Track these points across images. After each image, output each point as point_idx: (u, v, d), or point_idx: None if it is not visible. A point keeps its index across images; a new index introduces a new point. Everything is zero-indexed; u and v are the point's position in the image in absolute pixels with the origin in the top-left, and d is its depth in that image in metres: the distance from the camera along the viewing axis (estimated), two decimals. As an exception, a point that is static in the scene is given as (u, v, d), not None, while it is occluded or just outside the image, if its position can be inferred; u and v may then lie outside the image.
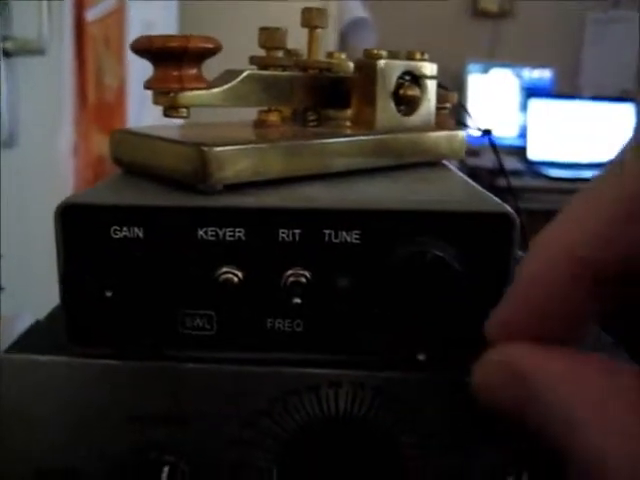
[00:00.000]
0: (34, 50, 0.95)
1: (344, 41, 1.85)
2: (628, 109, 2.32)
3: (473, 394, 0.23)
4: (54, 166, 1.05)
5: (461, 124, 0.40)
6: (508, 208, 0.28)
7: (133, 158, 0.33)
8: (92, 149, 1.18)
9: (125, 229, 0.27)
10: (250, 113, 0.37)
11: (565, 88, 2.46)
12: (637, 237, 0.20)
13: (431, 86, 0.36)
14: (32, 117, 0.96)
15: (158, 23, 1.53)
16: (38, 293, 0.86)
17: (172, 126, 0.35)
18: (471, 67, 2.44)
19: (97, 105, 1.20)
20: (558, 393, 0.20)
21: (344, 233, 0.27)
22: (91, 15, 1.17)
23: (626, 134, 2.26)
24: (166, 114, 0.30)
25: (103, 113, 1.23)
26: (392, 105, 0.35)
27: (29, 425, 0.29)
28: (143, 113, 1.37)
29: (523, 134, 2.33)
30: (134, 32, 1.34)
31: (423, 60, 0.36)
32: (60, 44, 1.05)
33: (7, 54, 0.90)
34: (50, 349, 0.29)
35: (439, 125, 0.38)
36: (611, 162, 0.22)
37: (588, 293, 0.21)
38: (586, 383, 0.20)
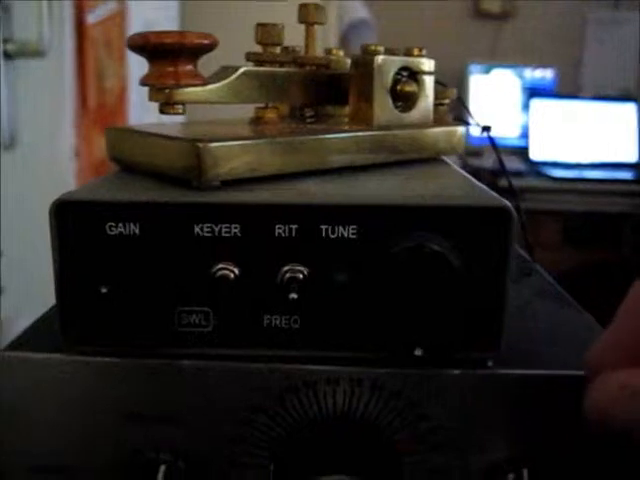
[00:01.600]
0: (35, 52, 0.95)
1: (345, 42, 1.84)
2: (630, 109, 2.32)
3: (585, 416, 0.24)
4: (55, 168, 1.05)
5: (460, 120, 0.40)
6: (506, 202, 0.28)
7: (129, 155, 0.33)
8: (93, 152, 1.18)
9: (121, 225, 0.27)
10: (247, 110, 0.37)
11: (567, 88, 2.45)
12: None
13: (429, 82, 0.36)
14: (32, 119, 0.96)
15: (159, 24, 1.53)
16: (38, 294, 0.86)
17: (168, 124, 0.35)
18: (473, 67, 2.43)
19: (98, 108, 1.20)
20: None
21: (341, 228, 0.27)
22: (92, 18, 1.17)
23: (628, 134, 2.25)
24: (162, 110, 0.30)
25: (104, 116, 1.23)
26: (390, 101, 0.35)
27: (25, 423, 0.29)
28: (144, 116, 1.37)
29: (525, 134, 2.32)
30: (135, 34, 1.34)
31: (421, 56, 0.36)
32: (61, 47, 1.05)
33: (8, 56, 0.90)
34: (46, 347, 0.29)
35: (437, 121, 0.38)
36: None
37: None
38: None
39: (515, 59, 2.46)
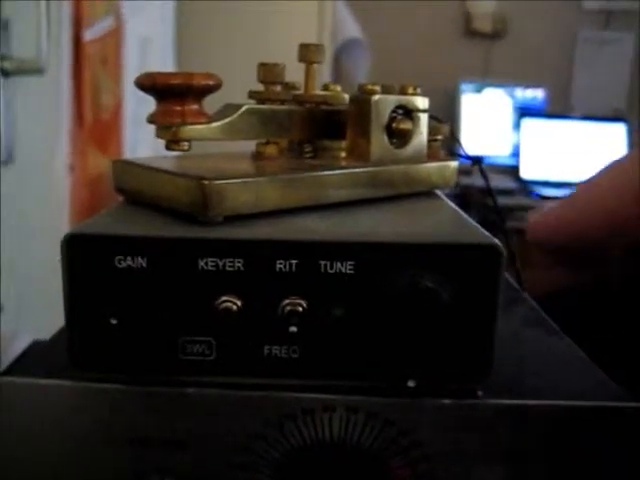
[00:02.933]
0: (32, 70, 0.96)
1: (338, 61, 1.86)
2: (620, 129, 2.34)
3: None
4: (51, 185, 1.05)
5: (452, 154, 0.42)
6: (495, 240, 0.29)
7: (136, 189, 0.34)
8: (88, 168, 1.18)
9: (129, 259, 0.28)
10: (248, 143, 0.38)
11: (557, 108, 2.48)
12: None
13: (423, 119, 0.37)
14: (29, 136, 0.96)
15: (155, 40, 1.54)
16: (36, 312, 0.86)
17: (172, 158, 0.36)
18: (464, 87, 2.45)
19: (94, 124, 1.21)
20: None
21: (339, 264, 0.29)
22: (89, 35, 1.18)
23: (618, 154, 2.27)
24: (168, 147, 0.32)
25: (100, 132, 1.24)
26: (385, 138, 0.36)
27: (28, 446, 0.30)
28: (139, 132, 1.38)
29: (516, 153, 2.34)
30: (131, 50, 1.35)
31: (415, 94, 0.37)
32: (58, 64, 1.06)
33: (5, 73, 0.91)
34: (50, 372, 0.30)
35: (431, 156, 0.39)
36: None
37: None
38: None
39: (506, 78, 2.48)
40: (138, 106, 1.37)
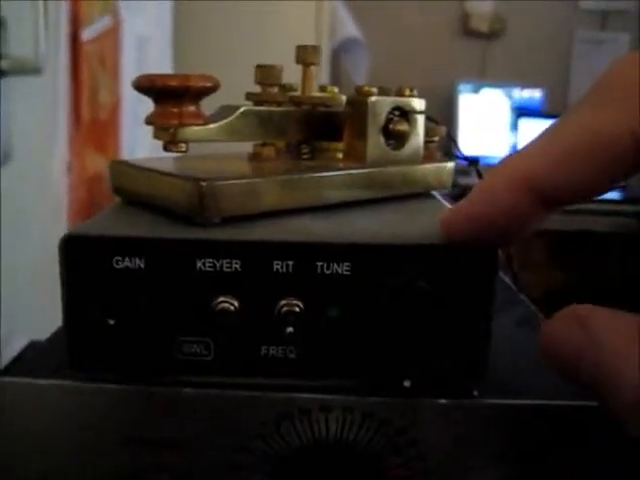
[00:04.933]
0: (30, 69, 0.96)
1: (336, 60, 1.86)
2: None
3: (540, 349, 0.26)
4: (48, 184, 1.06)
5: (449, 155, 0.42)
6: None
7: (133, 189, 0.35)
8: (86, 167, 1.19)
9: (127, 260, 0.29)
10: (245, 144, 0.38)
11: (555, 108, 2.48)
12: (591, 168, 0.24)
13: (420, 120, 0.38)
14: (27, 135, 0.97)
15: (153, 39, 1.55)
16: (32, 312, 0.87)
17: (170, 159, 0.36)
18: (462, 87, 2.46)
19: (91, 124, 1.21)
20: (612, 334, 0.23)
21: (335, 265, 0.29)
22: (87, 34, 1.18)
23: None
24: (166, 148, 0.32)
25: (97, 131, 1.24)
26: (382, 139, 0.36)
27: (27, 446, 0.30)
28: (137, 131, 1.38)
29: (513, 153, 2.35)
30: (129, 49, 1.36)
31: (412, 96, 0.37)
32: (56, 63, 1.06)
33: (3, 73, 0.91)
34: (48, 372, 0.30)
35: (427, 158, 0.39)
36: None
37: (535, 209, 0.26)
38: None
39: (504, 78, 2.48)
40: (136, 106, 1.37)
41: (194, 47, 1.71)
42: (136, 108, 1.37)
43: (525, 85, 2.48)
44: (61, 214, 1.07)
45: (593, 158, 0.24)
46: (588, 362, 0.23)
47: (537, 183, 0.25)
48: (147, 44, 1.50)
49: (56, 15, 1.05)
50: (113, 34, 1.31)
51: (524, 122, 2.35)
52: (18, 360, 0.33)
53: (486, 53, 2.58)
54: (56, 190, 1.08)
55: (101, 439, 0.30)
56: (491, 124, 2.44)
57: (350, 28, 1.93)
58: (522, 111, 2.41)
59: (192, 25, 1.72)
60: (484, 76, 2.53)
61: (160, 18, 1.63)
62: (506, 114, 2.45)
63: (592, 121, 0.24)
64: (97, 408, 0.30)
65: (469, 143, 2.36)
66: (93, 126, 1.22)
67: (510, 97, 2.47)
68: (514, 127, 2.39)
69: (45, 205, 1.02)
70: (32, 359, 0.33)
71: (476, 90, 2.46)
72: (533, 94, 2.49)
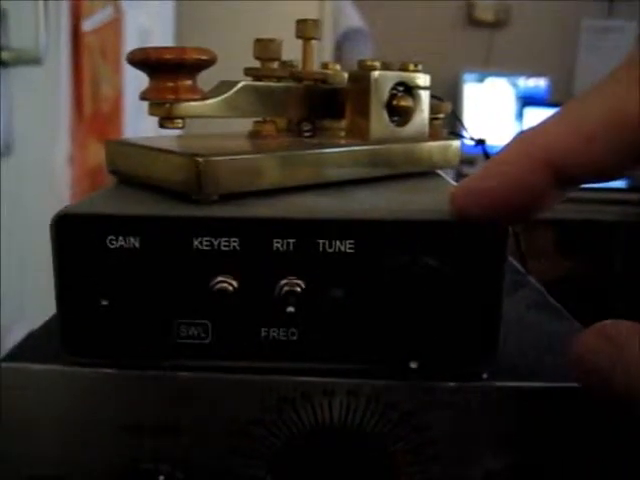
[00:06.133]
0: (31, 60, 0.95)
1: (340, 51, 1.85)
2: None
3: (571, 364, 0.25)
4: (50, 176, 1.05)
5: (455, 134, 0.41)
6: None
7: (128, 168, 0.33)
8: (88, 159, 1.18)
9: (121, 239, 0.28)
10: (246, 125, 0.37)
11: (560, 97, 2.46)
12: (615, 147, 0.23)
13: (424, 97, 0.37)
14: (28, 127, 0.96)
15: (155, 31, 1.54)
16: (35, 302, 0.86)
17: (167, 137, 0.35)
18: (467, 76, 2.44)
19: (93, 115, 1.20)
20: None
21: (338, 243, 0.28)
22: (88, 25, 1.17)
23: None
24: (161, 125, 0.31)
25: (100, 123, 1.23)
26: (385, 116, 0.35)
27: (24, 433, 0.29)
28: (139, 123, 1.37)
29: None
30: (130, 41, 1.35)
31: (416, 71, 0.36)
32: (57, 54, 1.05)
33: (4, 64, 0.90)
34: (44, 358, 0.30)
35: (432, 135, 0.38)
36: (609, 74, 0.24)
37: (549, 187, 0.25)
38: None
39: (509, 67, 2.47)
40: (138, 97, 1.35)
41: (196, 39, 1.70)
42: (138, 100, 1.35)
43: (530, 74, 2.47)
44: (64, 206, 1.06)
45: (619, 136, 0.23)
46: (619, 376, 0.23)
47: (557, 158, 0.24)
48: (149, 36, 1.49)
49: (57, 6, 1.04)
50: (114, 26, 1.30)
51: (529, 111, 2.34)
52: (15, 348, 0.32)
53: (491, 42, 2.56)
54: (58, 183, 1.07)
55: (96, 427, 0.29)
56: (496, 113, 2.43)
57: (353, 18, 1.92)
58: (527, 100, 2.40)
59: (194, 17, 1.71)
60: (489, 65, 2.52)
61: (162, 10, 1.62)
62: (511, 103, 2.43)
63: (622, 97, 0.23)
64: (91, 394, 0.29)
65: (474, 132, 2.35)
66: (95, 118, 1.22)
67: (515, 86, 2.46)
68: (519, 116, 2.38)
69: (47, 198, 1.01)
70: (28, 345, 0.32)
71: (481, 79, 2.45)
72: (538, 83, 2.47)
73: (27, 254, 0.92)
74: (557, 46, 2.56)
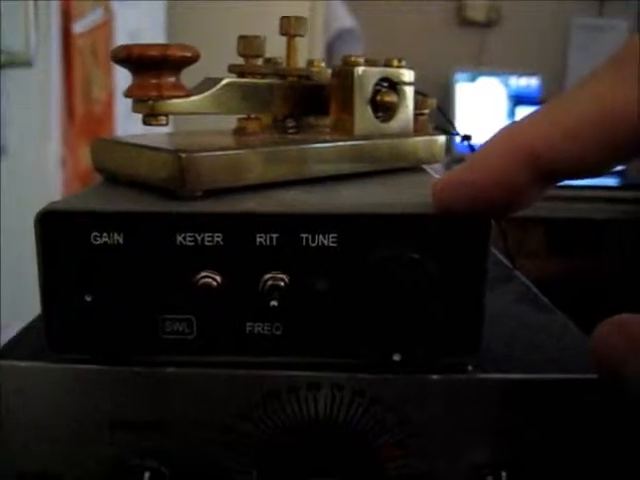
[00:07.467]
0: (21, 62, 0.95)
1: (331, 52, 1.85)
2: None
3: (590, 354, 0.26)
4: (42, 178, 1.05)
5: (440, 129, 0.41)
6: None
7: (113, 165, 0.34)
8: (80, 161, 1.18)
9: (105, 235, 0.28)
10: (231, 122, 0.37)
11: (552, 96, 2.47)
12: (600, 143, 0.23)
13: (409, 92, 0.37)
14: (20, 129, 0.96)
15: (145, 33, 1.54)
16: (29, 302, 0.86)
17: (152, 134, 0.35)
18: (458, 76, 2.44)
19: (85, 117, 1.20)
20: None
21: (321, 237, 0.28)
22: (78, 27, 1.17)
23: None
24: (145, 122, 0.31)
25: (91, 125, 1.23)
26: (370, 111, 0.35)
27: (11, 430, 0.29)
28: (130, 125, 1.37)
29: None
30: (121, 42, 1.34)
31: (400, 67, 0.36)
32: (47, 56, 1.05)
33: (-6, 66, 0.90)
34: (30, 355, 0.30)
35: (418, 131, 0.38)
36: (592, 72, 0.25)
37: (531, 182, 0.25)
38: None
39: (500, 66, 2.47)
40: (130, 100, 1.35)
41: (187, 40, 1.69)
42: (129, 103, 1.35)
43: (522, 73, 2.47)
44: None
45: (605, 132, 0.23)
46: (632, 367, 0.24)
47: (540, 154, 0.24)
48: (140, 37, 1.49)
49: (47, 8, 1.04)
50: (105, 27, 1.30)
51: (521, 110, 2.33)
52: (5, 346, 0.32)
53: (482, 42, 2.56)
54: (50, 184, 1.07)
55: (81, 423, 0.29)
56: (488, 112, 2.42)
57: (345, 19, 1.92)
58: (519, 99, 2.39)
59: (185, 19, 1.71)
60: (481, 65, 2.52)
61: (153, 11, 1.62)
62: (503, 102, 2.43)
63: (607, 94, 0.23)
64: (76, 391, 0.29)
65: (466, 131, 2.35)
66: (87, 120, 1.21)
67: (507, 85, 2.46)
68: (511, 115, 2.38)
69: (39, 200, 1.01)
70: (18, 344, 0.32)
71: (473, 79, 2.45)
72: (530, 82, 2.47)
73: (21, 255, 0.92)
74: (548, 45, 2.56)
